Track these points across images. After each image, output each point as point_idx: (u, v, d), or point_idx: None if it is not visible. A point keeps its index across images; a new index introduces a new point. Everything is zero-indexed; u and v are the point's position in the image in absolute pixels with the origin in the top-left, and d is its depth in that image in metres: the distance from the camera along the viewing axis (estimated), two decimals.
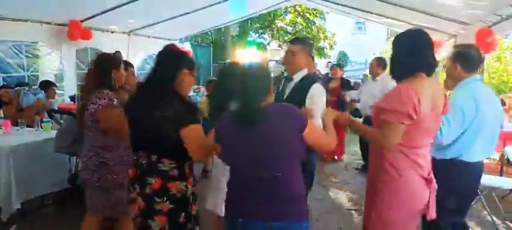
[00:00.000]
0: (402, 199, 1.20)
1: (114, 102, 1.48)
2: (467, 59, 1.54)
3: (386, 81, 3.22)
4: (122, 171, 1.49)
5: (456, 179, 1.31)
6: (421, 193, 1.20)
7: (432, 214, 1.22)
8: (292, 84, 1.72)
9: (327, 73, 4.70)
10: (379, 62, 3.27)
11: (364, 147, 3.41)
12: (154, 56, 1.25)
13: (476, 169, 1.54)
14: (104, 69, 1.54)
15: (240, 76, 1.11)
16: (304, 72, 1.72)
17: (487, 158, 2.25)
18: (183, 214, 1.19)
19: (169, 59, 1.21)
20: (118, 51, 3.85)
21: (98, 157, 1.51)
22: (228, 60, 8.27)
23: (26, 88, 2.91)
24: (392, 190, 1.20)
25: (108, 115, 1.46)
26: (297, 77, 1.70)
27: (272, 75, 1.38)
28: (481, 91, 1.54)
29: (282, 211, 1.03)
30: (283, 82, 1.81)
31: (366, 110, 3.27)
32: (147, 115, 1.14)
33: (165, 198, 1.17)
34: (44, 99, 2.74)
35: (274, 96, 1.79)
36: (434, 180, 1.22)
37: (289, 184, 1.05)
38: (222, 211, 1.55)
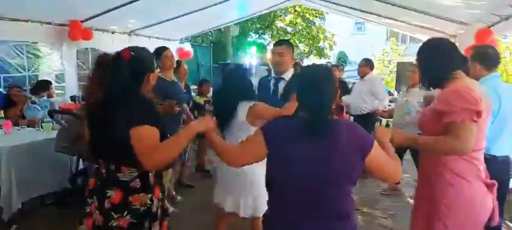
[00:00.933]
0: (469, 206, 1.13)
1: None
2: (487, 58, 1.61)
3: (374, 80, 3.38)
4: None
5: (489, 175, 1.23)
6: (486, 199, 1.15)
7: (496, 219, 1.16)
8: (282, 83, 1.85)
9: None
10: (367, 63, 3.45)
11: None
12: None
13: (505, 163, 1.54)
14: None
15: (312, 78, 0.96)
16: (291, 71, 1.88)
17: None
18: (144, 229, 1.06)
19: (123, 65, 1.06)
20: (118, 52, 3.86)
21: None
22: (229, 60, 8.29)
23: (33, 102, 2.89)
24: (457, 199, 1.12)
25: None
26: (287, 76, 1.85)
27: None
28: (502, 86, 1.60)
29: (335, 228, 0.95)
30: (273, 82, 1.91)
31: (356, 110, 3.42)
32: (101, 120, 1.05)
33: (126, 212, 1.04)
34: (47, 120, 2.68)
35: (268, 95, 1.81)
36: (496, 184, 1.17)
37: (341, 204, 0.95)
38: (226, 206, 1.61)
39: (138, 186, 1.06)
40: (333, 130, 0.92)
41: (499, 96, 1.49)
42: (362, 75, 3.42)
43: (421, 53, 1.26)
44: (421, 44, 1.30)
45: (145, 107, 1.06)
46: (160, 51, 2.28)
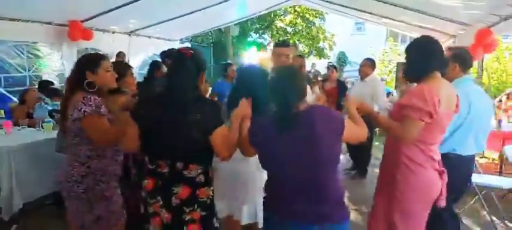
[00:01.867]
0: (421, 190, 1.32)
1: (101, 110, 1.30)
2: (465, 60, 1.73)
3: (375, 82, 3.30)
4: (106, 181, 1.37)
5: (451, 172, 1.39)
6: (436, 184, 1.33)
7: (442, 203, 1.35)
8: None
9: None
10: (370, 63, 3.37)
11: (352, 147, 3.38)
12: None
13: (469, 162, 1.72)
14: (79, 70, 1.36)
15: (278, 77, 1.09)
16: None
17: (479, 152, 2.38)
18: (214, 218, 1.18)
19: (191, 64, 1.14)
20: (121, 52, 3.85)
21: (83, 167, 1.33)
22: (229, 60, 8.28)
23: (45, 103, 2.90)
24: (412, 183, 1.31)
25: (95, 125, 1.29)
26: None
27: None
28: (473, 89, 1.72)
29: (328, 213, 1.04)
30: None
31: None
32: (174, 120, 1.09)
33: (196, 205, 1.12)
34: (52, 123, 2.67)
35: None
36: (446, 171, 1.35)
37: (332, 187, 1.05)
38: (241, 216, 1.56)
39: (203, 181, 1.14)
40: (305, 120, 1.01)
41: (469, 100, 1.61)
42: (363, 76, 3.32)
43: (409, 48, 1.39)
44: (412, 40, 1.43)
45: (216, 108, 1.14)
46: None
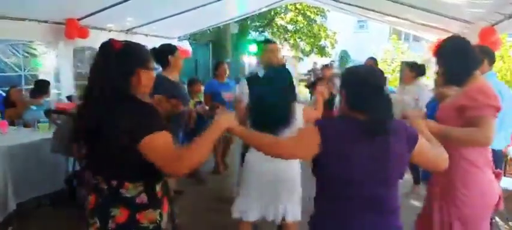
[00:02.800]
0: (484, 195, 1.26)
1: None
2: (491, 55, 1.77)
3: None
4: None
5: None
6: (495, 186, 1.29)
7: (501, 206, 1.31)
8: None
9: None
10: (375, 62, 3.42)
11: None
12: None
13: (500, 157, 1.80)
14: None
15: (374, 79, 0.98)
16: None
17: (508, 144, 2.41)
18: None
19: (119, 60, 0.92)
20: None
21: None
22: (228, 59, 8.23)
23: (33, 109, 2.86)
24: (475, 187, 1.25)
25: None
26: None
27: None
28: (500, 84, 1.79)
29: (390, 226, 1.00)
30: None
31: None
32: (97, 130, 0.90)
33: None
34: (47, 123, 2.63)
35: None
36: (501, 173, 1.35)
37: (395, 200, 1.01)
38: (248, 217, 1.52)
39: (145, 202, 0.95)
40: (388, 130, 0.96)
41: (500, 93, 1.62)
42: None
43: (443, 53, 1.32)
44: (441, 42, 1.36)
45: (150, 110, 0.92)
46: (174, 49, 2.08)
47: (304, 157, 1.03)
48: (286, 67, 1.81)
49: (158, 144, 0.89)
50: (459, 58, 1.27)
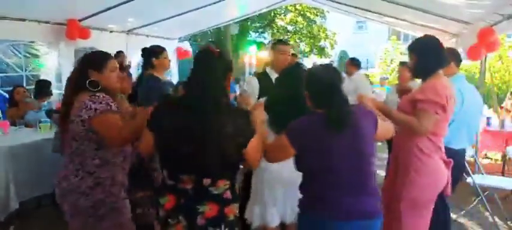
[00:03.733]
0: (431, 178, 1.41)
1: (113, 107, 1.20)
2: (458, 56, 1.89)
3: (361, 80, 3.48)
4: (117, 192, 1.25)
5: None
6: (444, 172, 1.43)
7: (448, 191, 1.45)
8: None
9: None
10: (353, 62, 3.65)
11: None
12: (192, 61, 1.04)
13: (461, 156, 1.87)
14: (83, 69, 1.24)
15: (328, 79, 1.09)
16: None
17: (470, 145, 2.56)
18: None
19: (218, 65, 1.01)
20: (121, 51, 3.80)
21: (91, 177, 1.19)
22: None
23: (35, 112, 2.87)
24: (423, 171, 1.40)
25: (108, 122, 1.16)
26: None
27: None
28: (466, 86, 1.86)
29: (375, 208, 1.10)
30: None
31: None
32: (206, 133, 0.94)
33: (223, 226, 1.00)
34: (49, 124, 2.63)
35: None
36: (451, 162, 1.45)
37: (373, 182, 1.11)
38: (273, 222, 1.50)
39: (229, 197, 1.03)
40: (353, 119, 1.06)
41: (463, 96, 1.74)
42: (349, 74, 3.51)
43: (415, 48, 1.48)
44: (415, 39, 1.54)
45: (248, 116, 1.02)
46: (160, 50, 2.13)
47: (286, 159, 1.15)
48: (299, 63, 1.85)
49: (258, 146, 1.03)
50: (427, 55, 1.42)
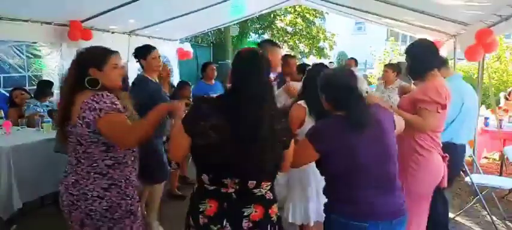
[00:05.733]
0: (430, 171, 1.49)
1: (119, 107, 1.12)
2: (446, 62, 2.09)
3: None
4: (132, 193, 1.18)
5: (450, 158, 1.58)
6: (441, 166, 1.51)
7: (445, 184, 1.53)
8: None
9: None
10: (356, 62, 3.89)
11: None
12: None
13: (462, 150, 2.01)
14: (81, 66, 1.14)
15: (346, 81, 1.09)
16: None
17: (470, 140, 2.69)
18: None
19: (264, 65, 0.99)
20: (116, 52, 3.81)
21: (104, 178, 1.12)
22: (228, 60, 8.27)
23: (34, 105, 2.89)
24: (423, 165, 1.47)
25: (116, 123, 1.08)
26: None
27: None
28: (464, 85, 2.00)
29: (404, 204, 1.12)
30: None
31: None
32: (252, 133, 0.91)
33: (269, 226, 0.99)
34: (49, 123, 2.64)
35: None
36: (447, 156, 1.54)
37: (397, 175, 1.12)
38: (311, 218, 1.54)
39: (271, 197, 1.01)
40: (374, 118, 1.08)
41: (462, 96, 1.88)
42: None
43: (411, 50, 1.57)
44: (411, 43, 1.63)
45: (287, 118, 1.04)
46: (147, 51, 2.03)
47: (307, 163, 1.16)
48: None
49: (293, 147, 1.03)
50: (423, 56, 1.50)
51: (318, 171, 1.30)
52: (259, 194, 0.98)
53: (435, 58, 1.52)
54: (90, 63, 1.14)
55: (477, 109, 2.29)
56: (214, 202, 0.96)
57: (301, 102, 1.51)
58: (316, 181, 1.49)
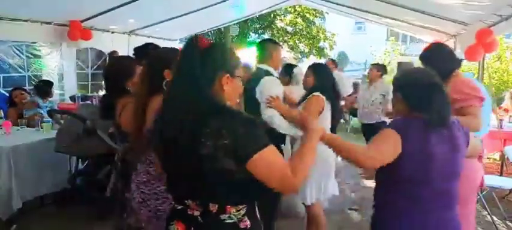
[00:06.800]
0: (473, 179, 1.45)
1: None
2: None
3: (338, 78, 3.79)
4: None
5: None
6: (481, 169, 1.50)
7: (483, 183, 1.54)
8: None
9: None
10: (333, 62, 3.90)
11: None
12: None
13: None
14: (155, 68, 1.10)
15: (430, 78, 1.05)
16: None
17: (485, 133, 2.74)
18: None
19: (204, 59, 0.76)
20: (115, 51, 3.82)
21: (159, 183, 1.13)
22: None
23: (38, 106, 2.91)
24: (465, 173, 1.37)
25: None
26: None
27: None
28: (479, 83, 1.92)
29: (456, 217, 1.08)
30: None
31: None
32: (188, 147, 0.74)
33: None
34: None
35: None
36: (482, 155, 1.53)
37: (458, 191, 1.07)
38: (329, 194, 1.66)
39: (248, 226, 0.79)
40: (452, 130, 1.04)
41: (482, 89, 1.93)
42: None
43: (431, 56, 1.52)
44: (426, 46, 1.60)
45: (251, 123, 0.75)
46: (138, 56, 1.91)
47: (388, 161, 1.01)
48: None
49: (268, 160, 0.74)
50: (443, 59, 1.48)
51: (331, 157, 1.30)
52: (229, 221, 0.78)
53: (455, 59, 1.52)
54: (166, 65, 1.10)
55: (490, 105, 2.27)
56: (181, 225, 0.81)
57: (318, 93, 1.60)
58: (331, 165, 1.62)
